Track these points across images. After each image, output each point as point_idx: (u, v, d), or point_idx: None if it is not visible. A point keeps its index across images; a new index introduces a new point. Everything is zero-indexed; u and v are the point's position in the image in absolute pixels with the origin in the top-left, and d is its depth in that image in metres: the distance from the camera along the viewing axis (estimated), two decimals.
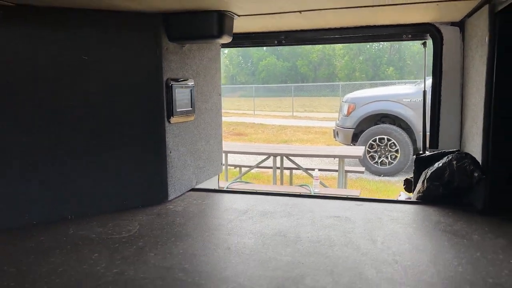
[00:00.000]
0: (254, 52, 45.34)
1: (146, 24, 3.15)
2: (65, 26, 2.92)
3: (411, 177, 3.71)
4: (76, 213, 3.04)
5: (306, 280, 2.05)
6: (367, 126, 10.29)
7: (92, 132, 3.07)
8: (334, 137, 11.39)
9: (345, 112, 10.69)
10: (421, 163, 3.48)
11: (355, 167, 9.60)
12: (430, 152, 3.57)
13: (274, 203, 3.37)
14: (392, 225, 2.84)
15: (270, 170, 9.83)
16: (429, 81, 3.99)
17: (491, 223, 2.84)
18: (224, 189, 5.70)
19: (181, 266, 2.22)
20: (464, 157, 3.13)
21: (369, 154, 9.99)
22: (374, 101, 10.49)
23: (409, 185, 3.74)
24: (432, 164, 3.32)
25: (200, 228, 2.83)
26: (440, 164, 3.22)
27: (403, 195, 4.10)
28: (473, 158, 3.11)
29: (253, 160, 10.53)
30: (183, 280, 2.06)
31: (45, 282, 2.05)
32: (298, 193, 5.32)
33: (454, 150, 3.40)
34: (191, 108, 3.58)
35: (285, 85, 35.76)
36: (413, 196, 3.53)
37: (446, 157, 3.24)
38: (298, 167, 8.57)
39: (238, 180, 8.52)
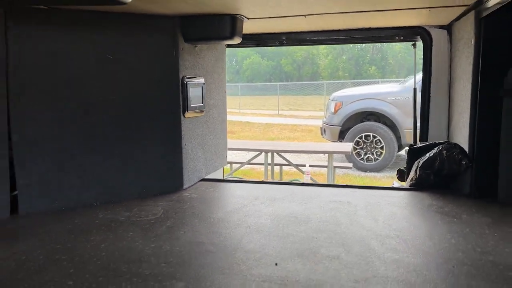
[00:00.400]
0: (239, 51, 45.62)
1: (165, 26, 3.44)
2: (94, 28, 3.19)
3: (404, 167, 4.07)
4: (100, 200, 3.31)
5: (321, 250, 2.37)
6: (353, 124, 10.67)
7: (116, 125, 3.35)
8: (322, 134, 11.75)
9: (332, 110, 11.06)
10: (413, 154, 3.84)
11: (342, 163, 10.00)
12: (421, 144, 3.93)
13: (281, 191, 3.70)
14: (390, 208, 3.19)
15: (259, 167, 10.18)
16: (416, 78, 4.35)
17: (477, 204, 3.21)
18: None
19: (210, 241, 2.53)
20: (453, 147, 3.50)
21: (356, 151, 10.36)
22: (360, 99, 10.88)
23: (402, 175, 4.10)
24: (424, 154, 3.69)
25: (218, 211, 3.14)
26: (431, 154, 3.59)
27: (396, 184, 4.45)
28: (461, 148, 3.48)
29: (242, 157, 10.80)
30: (214, 252, 2.36)
31: (92, 256, 2.33)
32: (302, 182, 5.66)
33: (444, 141, 3.77)
34: (202, 104, 3.88)
35: (270, 83, 36.10)
36: (406, 183, 3.88)
37: (437, 147, 3.60)
38: (289, 163, 8.91)
39: (230, 176, 8.80)
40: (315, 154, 11.63)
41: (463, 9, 3.41)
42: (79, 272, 2.11)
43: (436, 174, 3.55)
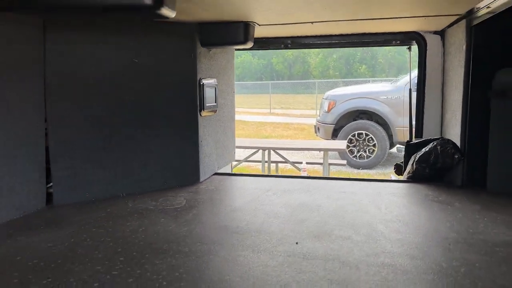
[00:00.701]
0: None
1: (185, 32, 3.77)
2: (121, 35, 3.51)
3: (401, 162, 4.45)
4: (126, 191, 3.64)
5: (334, 232, 2.73)
6: (346, 122, 11.05)
7: (139, 124, 3.68)
8: (315, 132, 12.13)
9: (326, 108, 11.44)
10: (410, 149, 4.22)
11: (336, 160, 10.39)
12: (417, 140, 4.31)
13: (289, 183, 4.05)
14: (390, 197, 3.56)
15: (255, 164, 10.52)
16: (405, 79, 4.72)
17: (468, 194, 3.59)
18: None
19: (235, 225, 2.87)
20: (446, 142, 3.89)
21: (349, 149, 10.73)
22: (353, 98, 11.26)
23: (399, 169, 4.49)
24: (420, 149, 4.06)
25: (236, 201, 3.49)
26: (427, 149, 3.97)
27: (393, 178, 4.83)
28: (454, 143, 3.87)
29: (238, 155, 11.11)
30: (241, 234, 2.71)
31: (134, 237, 2.66)
32: (307, 176, 6.03)
33: (438, 137, 4.15)
34: (215, 103, 4.22)
35: (261, 82, 36.46)
36: (403, 176, 4.26)
37: (432, 143, 3.98)
38: (286, 161, 9.27)
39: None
40: (309, 152, 12.03)
41: (455, 17, 3.79)
42: (126, 251, 2.45)
43: (431, 168, 3.93)
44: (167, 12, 2.27)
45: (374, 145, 10.66)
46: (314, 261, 2.30)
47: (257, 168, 10.44)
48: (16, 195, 3.06)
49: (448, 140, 3.94)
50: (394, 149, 10.75)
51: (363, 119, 10.99)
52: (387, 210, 3.22)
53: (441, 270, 2.18)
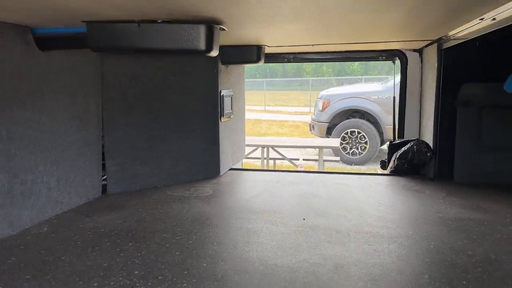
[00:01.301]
0: None
1: None
2: (158, 57, 4.47)
3: (385, 159, 5.47)
4: (162, 183, 4.61)
5: (331, 212, 3.73)
6: (339, 120, 12.04)
7: (172, 128, 4.64)
8: (310, 130, 13.13)
9: (320, 107, 12.44)
10: (393, 148, 5.25)
11: (330, 156, 11.41)
12: (398, 140, 5.33)
13: (294, 176, 5.05)
14: (376, 187, 4.58)
15: (253, 161, 11.49)
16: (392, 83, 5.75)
17: (437, 185, 4.62)
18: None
19: (256, 207, 3.86)
20: (421, 143, 4.92)
21: (342, 146, 11.72)
22: (346, 98, 12.25)
23: (384, 164, 5.51)
24: (400, 148, 5.08)
25: (253, 190, 4.48)
26: (406, 148, 4.99)
27: (379, 172, 5.85)
28: (427, 144, 4.89)
29: None
30: (262, 213, 3.69)
31: (182, 215, 3.63)
32: (309, 170, 7.04)
33: (415, 138, 5.17)
34: (231, 111, 5.20)
35: (255, 80, 37.46)
36: (387, 170, 5.28)
37: (409, 143, 5.01)
38: (284, 157, 10.27)
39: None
40: (304, 149, 13.03)
41: (429, 41, 4.80)
42: (180, 224, 3.42)
43: (409, 163, 4.95)
44: (214, 53, 3.23)
45: (366, 143, 11.64)
46: (317, 230, 3.29)
47: (255, 164, 11.41)
48: (81, 186, 4.01)
49: (423, 141, 4.97)
50: (384, 146, 11.74)
51: (355, 118, 11.95)
52: (372, 196, 4.23)
53: (407, 235, 3.19)
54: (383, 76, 17.77)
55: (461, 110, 4.72)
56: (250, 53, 4.78)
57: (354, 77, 32.83)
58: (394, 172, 5.09)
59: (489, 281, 2.47)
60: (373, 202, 4.03)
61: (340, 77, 34.22)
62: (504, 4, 2.66)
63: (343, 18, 3.11)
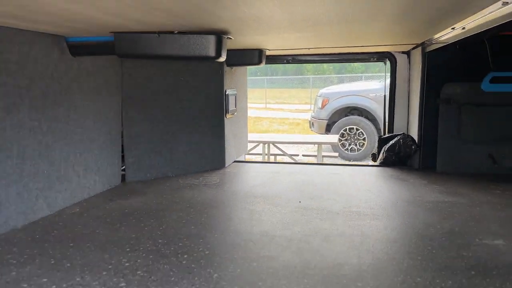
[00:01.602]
0: None
1: None
2: (174, 62, 5.07)
3: (376, 151, 6.06)
4: (173, 173, 5.21)
5: (324, 196, 4.33)
6: (338, 118, 12.57)
7: (183, 123, 5.24)
8: (310, 127, 13.71)
9: (320, 105, 13.00)
10: (382, 141, 5.84)
11: (329, 152, 11.98)
12: (387, 134, 5.92)
13: (292, 168, 5.65)
14: (365, 176, 5.17)
15: (255, 157, 12.07)
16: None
17: (421, 174, 5.22)
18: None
19: (259, 193, 4.45)
20: (407, 137, 5.51)
21: (341, 142, 12.28)
22: (345, 96, 12.80)
23: (374, 157, 6.10)
24: (388, 142, 5.67)
25: (255, 179, 5.07)
26: (393, 142, 5.58)
27: (370, 163, 6.45)
28: (412, 138, 5.49)
29: None
30: (265, 198, 4.28)
31: (194, 200, 4.23)
32: (306, 162, 7.63)
33: (401, 133, 5.76)
34: (235, 108, 5.79)
35: (256, 77, 38.10)
36: (377, 162, 5.87)
37: (396, 137, 5.60)
38: (284, 153, 10.85)
39: None
40: (304, 146, 13.63)
41: (415, 45, 5.39)
42: (193, 206, 4.02)
43: (396, 155, 5.55)
44: (222, 59, 3.82)
45: (364, 139, 12.19)
46: (311, 210, 3.89)
47: (257, 159, 11.99)
48: (104, 174, 4.61)
49: (408, 135, 5.57)
50: None
51: (354, 115, 12.51)
52: (361, 184, 4.83)
53: (388, 214, 3.79)
54: (382, 74, 18.28)
55: (443, 107, 5.31)
56: (252, 56, 5.37)
57: (354, 74, 33.46)
58: (383, 164, 5.69)
59: (450, 247, 3.06)
60: (362, 189, 4.63)
61: (340, 75, 34.86)
62: (469, 16, 3.21)
63: (333, 28, 3.70)
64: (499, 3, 2.62)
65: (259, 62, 5.41)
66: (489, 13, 2.89)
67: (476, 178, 5.04)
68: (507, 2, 2.56)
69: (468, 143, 5.28)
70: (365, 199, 4.24)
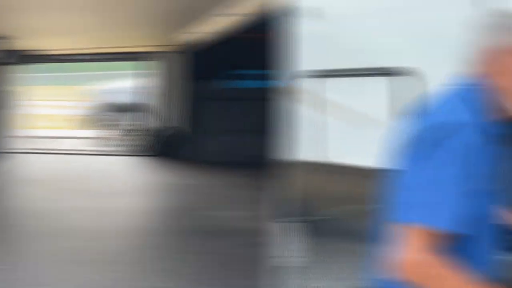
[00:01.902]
0: None
1: None
2: None
3: (136, 143, 6.84)
4: None
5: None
6: (103, 114, 12.61)
7: None
8: (78, 123, 13.50)
9: (87, 101, 12.88)
10: (145, 134, 6.66)
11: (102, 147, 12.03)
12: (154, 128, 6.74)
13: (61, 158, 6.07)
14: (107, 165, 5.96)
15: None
16: None
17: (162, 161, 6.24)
18: None
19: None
20: (166, 129, 6.47)
21: (107, 136, 12.19)
22: (110, 93, 12.91)
23: (136, 149, 6.88)
24: (146, 135, 6.53)
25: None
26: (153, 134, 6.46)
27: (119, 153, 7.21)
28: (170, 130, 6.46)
29: None
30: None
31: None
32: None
33: (165, 126, 6.68)
34: None
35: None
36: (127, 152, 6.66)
37: (159, 130, 6.48)
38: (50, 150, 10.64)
39: None
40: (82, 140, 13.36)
41: (173, 46, 6.25)
42: None
43: (153, 147, 6.45)
44: None
45: (129, 133, 12.41)
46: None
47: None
48: None
49: (169, 127, 6.52)
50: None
51: (119, 111, 12.66)
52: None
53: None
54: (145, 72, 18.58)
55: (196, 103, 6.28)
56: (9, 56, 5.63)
57: (119, 72, 32.96)
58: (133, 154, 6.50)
59: None
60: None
61: (107, 72, 34.06)
62: (190, 30, 4.06)
63: (94, 34, 4.27)
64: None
65: (16, 62, 5.70)
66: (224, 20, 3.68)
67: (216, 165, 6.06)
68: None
69: (213, 134, 6.18)
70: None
